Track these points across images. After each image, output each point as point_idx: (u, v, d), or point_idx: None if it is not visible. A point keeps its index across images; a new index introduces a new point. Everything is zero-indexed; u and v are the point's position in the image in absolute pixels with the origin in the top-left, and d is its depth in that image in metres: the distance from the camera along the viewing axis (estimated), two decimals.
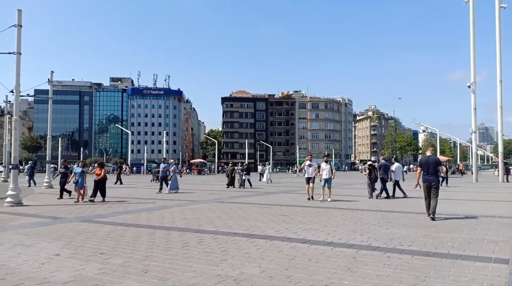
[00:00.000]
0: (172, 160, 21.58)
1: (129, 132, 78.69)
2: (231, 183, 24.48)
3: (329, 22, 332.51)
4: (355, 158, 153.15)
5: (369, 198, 15.69)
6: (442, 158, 57.98)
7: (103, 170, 15.16)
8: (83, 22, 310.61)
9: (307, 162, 15.15)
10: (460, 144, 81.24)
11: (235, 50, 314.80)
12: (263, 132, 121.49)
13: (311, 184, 14.97)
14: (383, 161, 17.08)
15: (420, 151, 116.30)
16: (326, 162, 14.67)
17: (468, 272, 4.97)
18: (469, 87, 34.03)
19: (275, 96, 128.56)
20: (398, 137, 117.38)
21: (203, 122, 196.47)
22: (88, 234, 7.92)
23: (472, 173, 35.30)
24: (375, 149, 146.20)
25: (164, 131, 77.75)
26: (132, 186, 26.38)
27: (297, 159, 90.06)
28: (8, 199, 13.76)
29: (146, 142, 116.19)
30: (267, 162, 49.51)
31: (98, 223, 9.47)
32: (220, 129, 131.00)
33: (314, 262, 5.50)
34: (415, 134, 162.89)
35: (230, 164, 27.32)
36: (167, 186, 19.42)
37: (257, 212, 11.51)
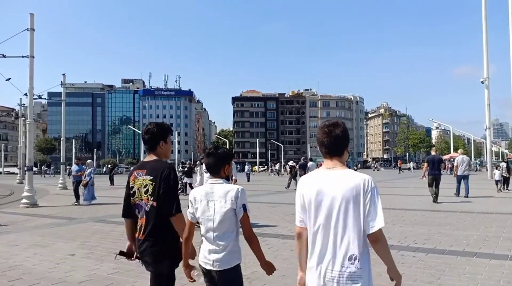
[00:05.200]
0: (89, 161, 16.24)
1: (141, 133, 79.31)
2: None
3: (338, 18, 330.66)
4: (367, 156, 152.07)
5: (286, 188, 20.75)
6: (456, 155, 57.44)
7: None
8: (94, 24, 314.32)
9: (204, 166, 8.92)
10: (474, 140, 80.00)
11: (245, 49, 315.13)
12: (274, 131, 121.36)
13: None
14: (302, 161, 22.13)
15: (433, 148, 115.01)
16: None
17: (484, 270, 4.90)
18: (482, 82, 33.51)
19: (286, 95, 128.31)
20: (410, 134, 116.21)
21: (214, 122, 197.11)
22: (102, 234, 8.01)
23: (487, 170, 34.80)
24: (387, 146, 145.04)
25: (176, 132, 78.17)
26: None
27: (309, 158, 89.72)
28: (24, 200, 13.98)
29: None
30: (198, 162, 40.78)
31: (112, 223, 9.56)
32: (231, 128, 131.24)
33: None
34: (428, 131, 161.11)
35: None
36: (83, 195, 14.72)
37: (268, 211, 11.51)
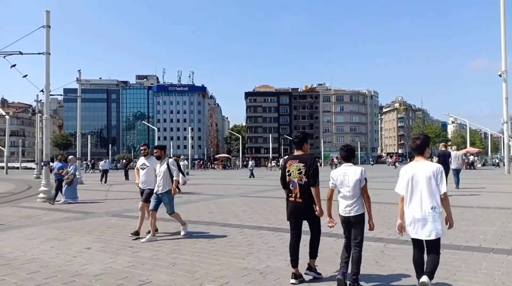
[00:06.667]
0: (71, 157, 14.59)
1: (156, 129, 79.83)
2: None
3: (350, 11, 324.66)
4: (381, 151, 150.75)
5: None
6: (473, 149, 56.76)
7: None
8: (109, 21, 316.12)
9: (142, 159, 7.85)
10: (491, 135, 78.35)
11: (257, 44, 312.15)
12: (287, 126, 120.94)
13: (143, 204, 7.60)
14: None
15: (449, 143, 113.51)
16: (160, 157, 7.36)
17: (501, 266, 4.82)
18: (500, 76, 32.82)
19: (299, 90, 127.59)
20: (426, 129, 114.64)
21: (227, 117, 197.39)
22: (118, 228, 8.11)
23: (504, 165, 34.21)
24: (402, 141, 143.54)
25: (189, 127, 78.59)
26: None
27: (322, 153, 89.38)
28: (41, 195, 14.24)
29: (172, 138, 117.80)
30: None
31: (127, 217, 9.67)
32: (244, 124, 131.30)
33: None
34: (444, 125, 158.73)
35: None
36: (62, 193, 13.66)
37: (282, 206, 11.45)
